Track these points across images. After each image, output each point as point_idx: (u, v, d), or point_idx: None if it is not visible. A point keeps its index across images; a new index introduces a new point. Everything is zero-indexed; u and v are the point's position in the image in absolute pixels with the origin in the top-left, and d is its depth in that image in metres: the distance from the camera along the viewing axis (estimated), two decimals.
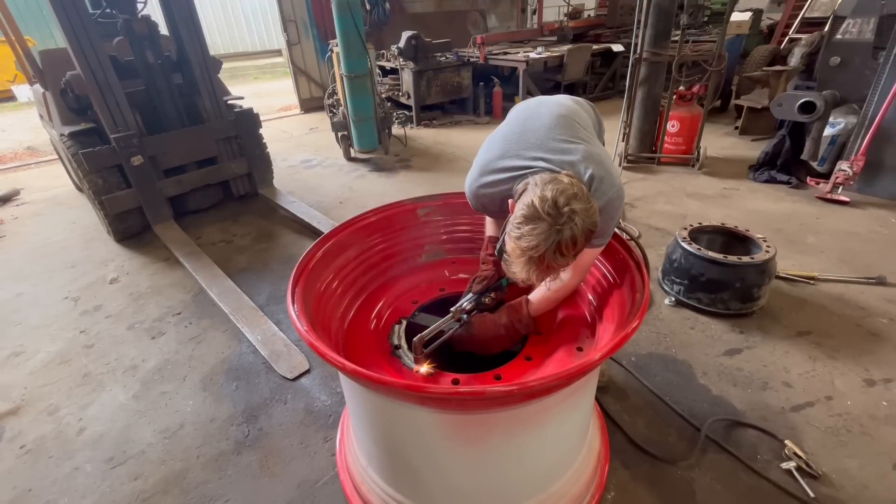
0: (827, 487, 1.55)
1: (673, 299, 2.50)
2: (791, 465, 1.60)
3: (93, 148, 3.14)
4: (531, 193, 1.10)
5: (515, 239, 1.09)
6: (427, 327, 1.52)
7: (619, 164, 4.45)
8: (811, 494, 1.52)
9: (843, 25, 3.72)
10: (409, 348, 1.44)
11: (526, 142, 1.31)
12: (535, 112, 1.40)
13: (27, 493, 1.68)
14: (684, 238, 2.45)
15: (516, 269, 1.13)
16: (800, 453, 1.62)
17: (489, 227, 1.61)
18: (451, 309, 1.40)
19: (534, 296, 1.44)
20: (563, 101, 1.48)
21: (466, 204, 1.51)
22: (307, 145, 5.95)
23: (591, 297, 1.54)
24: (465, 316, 1.41)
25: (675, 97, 4.32)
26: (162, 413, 1.99)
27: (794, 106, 3.63)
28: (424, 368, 1.31)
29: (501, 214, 1.45)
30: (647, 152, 4.55)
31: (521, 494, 1.32)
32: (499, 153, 1.34)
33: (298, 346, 2.29)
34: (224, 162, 3.80)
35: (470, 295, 1.45)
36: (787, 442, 1.67)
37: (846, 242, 3.01)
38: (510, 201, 1.19)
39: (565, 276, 1.36)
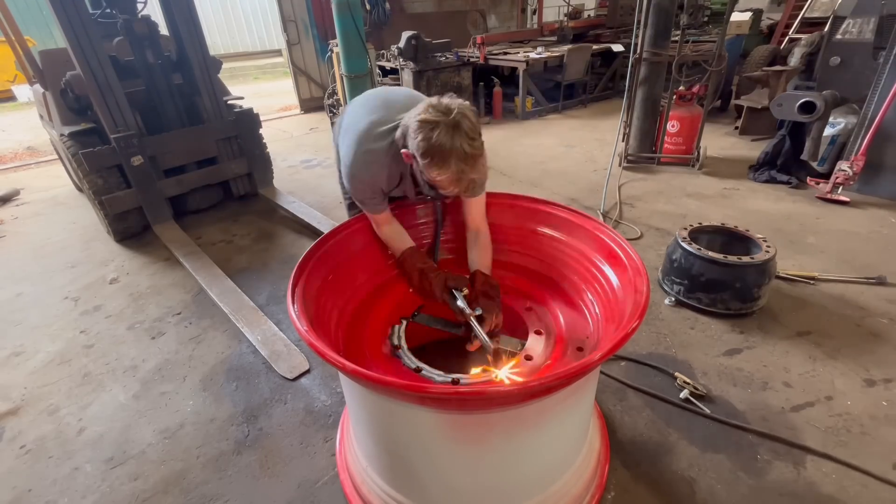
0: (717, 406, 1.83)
1: (673, 299, 2.50)
2: (685, 393, 1.89)
3: (93, 148, 3.14)
4: (415, 116, 1.23)
5: (432, 157, 1.20)
6: (429, 328, 1.60)
7: (619, 164, 4.45)
8: (707, 411, 1.81)
9: (843, 25, 3.73)
10: (409, 349, 1.45)
11: (390, 109, 1.50)
12: (389, 93, 1.64)
13: (27, 493, 1.68)
14: (684, 238, 2.45)
15: (447, 182, 1.24)
16: (688, 381, 1.91)
17: (397, 241, 1.65)
18: (466, 313, 1.44)
19: (481, 264, 1.62)
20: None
21: None
22: (307, 145, 5.94)
23: (591, 297, 1.54)
24: (478, 311, 1.44)
25: (675, 97, 4.32)
26: (162, 413, 1.99)
27: (794, 106, 3.63)
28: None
29: (393, 186, 1.55)
30: (647, 152, 4.55)
31: (521, 494, 1.32)
32: (371, 122, 1.47)
33: (298, 346, 2.29)
34: (224, 162, 3.80)
35: (457, 294, 1.49)
36: (676, 374, 1.97)
37: (846, 242, 3.00)
38: (403, 151, 1.32)
39: (484, 230, 1.65)
